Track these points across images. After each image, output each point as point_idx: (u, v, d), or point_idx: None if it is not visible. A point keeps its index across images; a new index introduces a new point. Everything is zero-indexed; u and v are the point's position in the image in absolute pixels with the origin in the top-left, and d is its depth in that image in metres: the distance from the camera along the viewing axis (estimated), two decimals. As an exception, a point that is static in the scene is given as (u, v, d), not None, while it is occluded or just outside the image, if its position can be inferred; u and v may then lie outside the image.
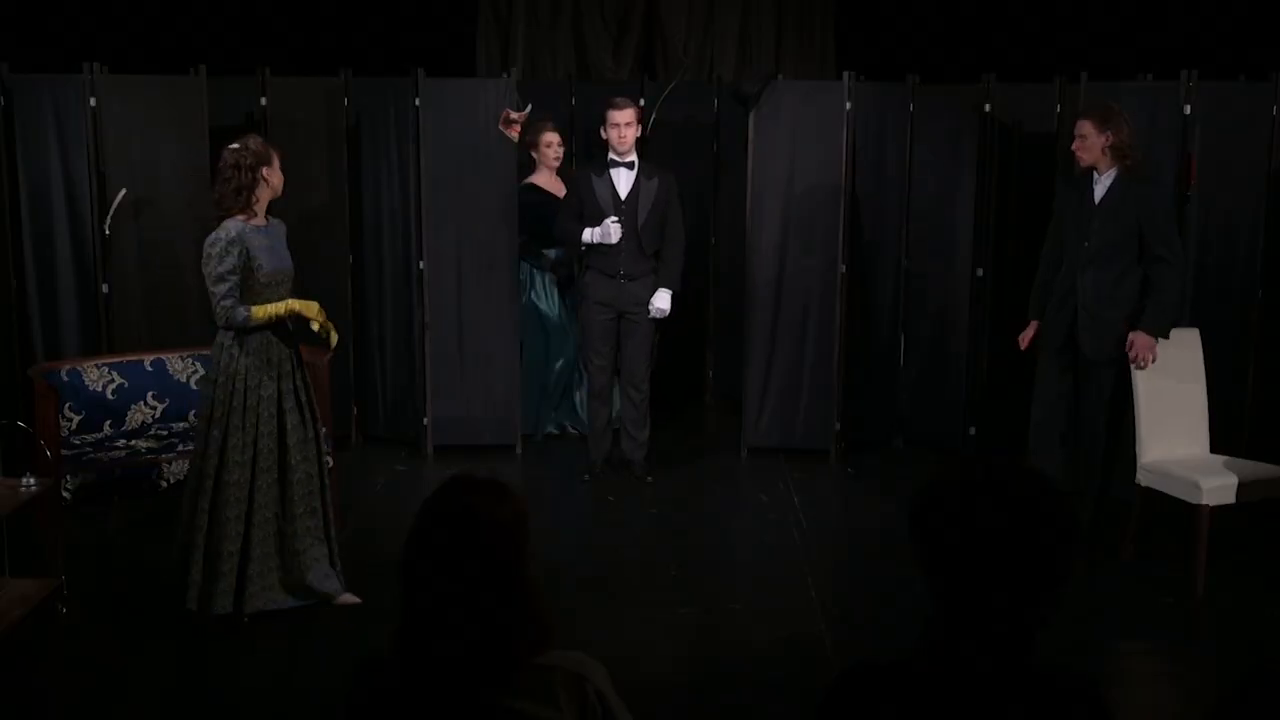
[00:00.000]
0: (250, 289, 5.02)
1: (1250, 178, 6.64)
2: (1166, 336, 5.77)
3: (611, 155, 6.88)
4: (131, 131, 6.96)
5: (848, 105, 7.29)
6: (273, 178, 5.09)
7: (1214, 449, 5.92)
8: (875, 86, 7.52)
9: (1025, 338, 6.26)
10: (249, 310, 4.99)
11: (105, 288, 6.92)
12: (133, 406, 6.10)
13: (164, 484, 5.70)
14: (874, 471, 7.38)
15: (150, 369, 6.18)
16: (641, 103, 7.57)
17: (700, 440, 8.03)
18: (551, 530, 6.06)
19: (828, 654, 5.00)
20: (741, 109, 7.49)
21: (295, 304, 5.14)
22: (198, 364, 6.28)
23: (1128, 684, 4.95)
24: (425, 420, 7.57)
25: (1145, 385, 5.78)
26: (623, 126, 6.79)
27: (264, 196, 5.09)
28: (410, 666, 2.27)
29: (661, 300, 6.85)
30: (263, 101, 7.48)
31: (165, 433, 6.04)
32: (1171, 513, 5.79)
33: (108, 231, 6.84)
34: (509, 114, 7.03)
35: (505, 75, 7.65)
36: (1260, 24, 8.16)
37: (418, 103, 7.29)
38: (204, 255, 4.99)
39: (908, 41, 9.16)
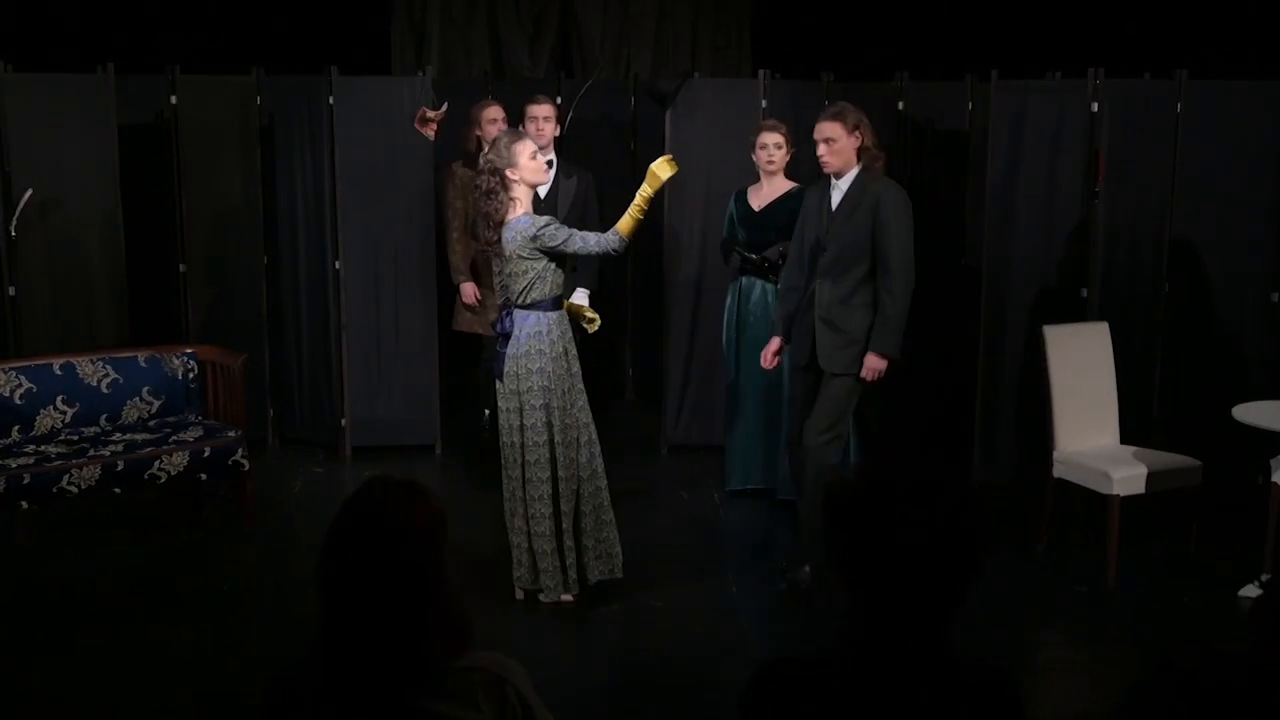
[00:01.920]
0: (545, 279, 5.15)
1: (1156, 174, 6.77)
2: (896, 356, 5.48)
3: (530, 153, 6.87)
4: (37, 131, 6.83)
5: (763, 103, 7.33)
6: (522, 174, 5.16)
7: (1124, 440, 6.04)
8: (790, 85, 7.57)
9: (768, 353, 5.86)
10: (614, 231, 5.20)
11: (12, 290, 6.77)
12: (42, 411, 5.98)
13: (74, 490, 5.59)
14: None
15: (60, 373, 6.06)
16: (558, 101, 7.55)
17: (621, 438, 8.00)
18: (470, 532, 6.02)
19: (749, 651, 5.03)
20: (658, 107, 7.51)
21: (647, 191, 5.28)
22: (108, 367, 6.17)
23: (1041, 673, 5.03)
24: (343, 421, 7.50)
25: (1058, 378, 5.88)
26: (541, 120, 6.79)
27: (522, 192, 5.18)
28: (328, 670, 2.25)
29: (579, 299, 6.85)
30: (173, 100, 7.37)
31: (76, 438, 5.92)
32: (1084, 503, 5.90)
33: (14, 233, 6.70)
34: (425, 113, 6.98)
35: (420, 73, 7.60)
36: (1165, 23, 8.33)
37: (331, 101, 7.23)
38: (536, 243, 5.08)
39: (822, 40, 9.23)
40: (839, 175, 5.51)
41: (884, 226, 5.41)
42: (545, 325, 5.16)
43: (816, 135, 5.49)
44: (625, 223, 5.23)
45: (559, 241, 5.09)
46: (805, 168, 6.61)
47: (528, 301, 5.16)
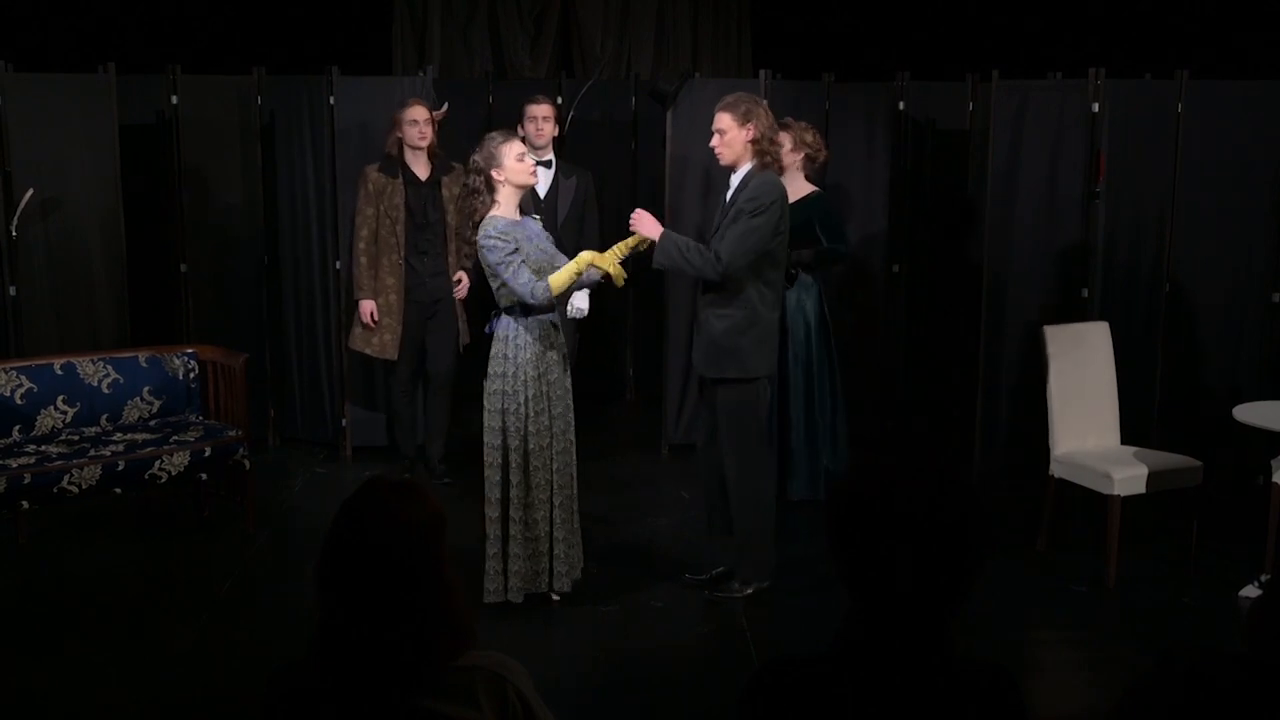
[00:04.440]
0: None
1: (1156, 173, 6.77)
2: (659, 259, 5.18)
3: (529, 154, 6.87)
4: (38, 131, 6.82)
5: (764, 103, 7.32)
6: (509, 174, 5.11)
7: (1124, 440, 6.04)
8: (791, 85, 7.57)
9: None
10: (545, 284, 5.04)
11: (13, 290, 6.77)
12: (43, 411, 5.98)
13: (74, 490, 5.59)
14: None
15: (60, 372, 6.06)
16: (559, 101, 7.55)
17: (621, 438, 8.03)
18: (470, 532, 6.01)
19: (750, 649, 5.03)
20: (659, 107, 7.50)
21: (587, 255, 5.15)
22: (109, 367, 6.17)
23: (1042, 672, 5.03)
24: (344, 421, 7.50)
25: (1058, 378, 5.88)
26: (540, 120, 6.79)
27: (506, 194, 5.13)
28: (327, 669, 2.25)
29: (580, 300, 6.84)
30: (174, 100, 7.37)
31: (76, 438, 5.92)
32: (1084, 503, 5.90)
33: (14, 233, 6.69)
34: (426, 113, 6.97)
35: (421, 73, 7.60)
36: (1165, 23, 8.34)
37: (332, 101, 7.22)
38: (482, 252, 5.05)
39: (823, 40, 9.24)
40: (733, 169, 5.31)
41: (734, 218, 5.14)
42: (513, 330, 5.12)
43: (714, 127, 5.32)
44: (559, 280, 5.06)
45: (492, 260, 5.03)
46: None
47: (502, 306, 5.15)
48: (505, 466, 5.17)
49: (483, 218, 5.12)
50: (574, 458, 5.35)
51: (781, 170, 5.35)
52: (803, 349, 6.55)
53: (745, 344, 5.26)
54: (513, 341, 5.12)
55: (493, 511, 5.20)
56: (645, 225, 5.24)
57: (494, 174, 5.11)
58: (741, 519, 5.43)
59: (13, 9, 8.02)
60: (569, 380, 5.31)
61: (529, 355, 5.11)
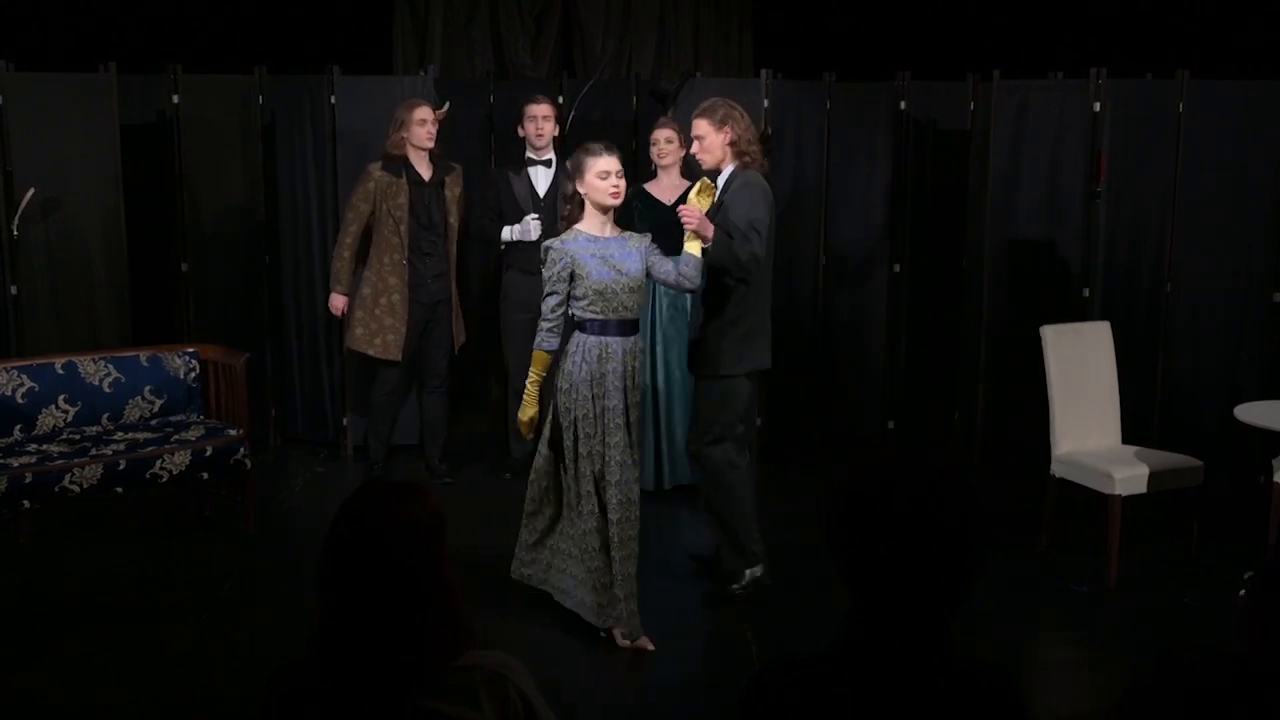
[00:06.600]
0: (578, 298, 4.89)
1: (1156, 173, 6.77)
2: (705, 241, 4.99)
3: (529, 154, 6.88)
4: (39, 130, 6.82)
5: (765, 103, 7.33)
6: (587, 189, 4.90)
7: (1125, 440, 6.04)
8: (792, 85, 7.57)
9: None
10: (543, 350, 4.97)
11: (14, 290, 6.77)
12: (44, 410, 5.98)
13: (75, 489, 5.59)
14: (794, 469, 7.42)
15: (61, 372, 6.06)
16: (560, 100, 7.54)
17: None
18: (470, 532, 6.01)
19: (750, 649, 5.03)
20: (660, 107, 7.50)
21: (530, 410, 5.06)
22: (110, 366, 6.17)
23: (1043, 672, 5.03)
24: (344, 421, 7.50)
25: (1058, 378, 5.88)
26: (540, 119, 6.78)
27: (588, 210, 4.94)
28: (327, 669, 2.26)
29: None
30: (175, 99, 7.37)
31: (78, 437, 5.92)
32: (1084, 503, 5.90)
33: (15, 232, 6.70)
34: (427, 112, 6.97)
35: (422, 73, 7.60)
36: (1166, 23, 8.33)
37: (333, 100, 7.23)
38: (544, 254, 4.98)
39: (824, 40, 9.24)
40: (718, 171, 5.35)
41: (726, 209, 5.14)
42: (575, 345, 4.95)
43: (692, 133, 5.40)
44: (532, 373, 5.03)
45: (545, 273, 4.90)
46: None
47: (568, 316, 5.00)
48: (557, 489, 5.13)
49: (568, 225, 5.00)
50: (636, 487, 5.04)
51: (764, 169, 5.39)
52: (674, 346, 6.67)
53: (727, 344, 5.30)
54: (570, 358, 4.95)
55: (541, 524, 5.18)
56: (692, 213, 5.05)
57: (576, 184, 4.96)
58: (715, 506, 5.47)
59: (13, 9, 8.02)
60: (633, 416, 5.01)
61: (585, 376, 4.91)
